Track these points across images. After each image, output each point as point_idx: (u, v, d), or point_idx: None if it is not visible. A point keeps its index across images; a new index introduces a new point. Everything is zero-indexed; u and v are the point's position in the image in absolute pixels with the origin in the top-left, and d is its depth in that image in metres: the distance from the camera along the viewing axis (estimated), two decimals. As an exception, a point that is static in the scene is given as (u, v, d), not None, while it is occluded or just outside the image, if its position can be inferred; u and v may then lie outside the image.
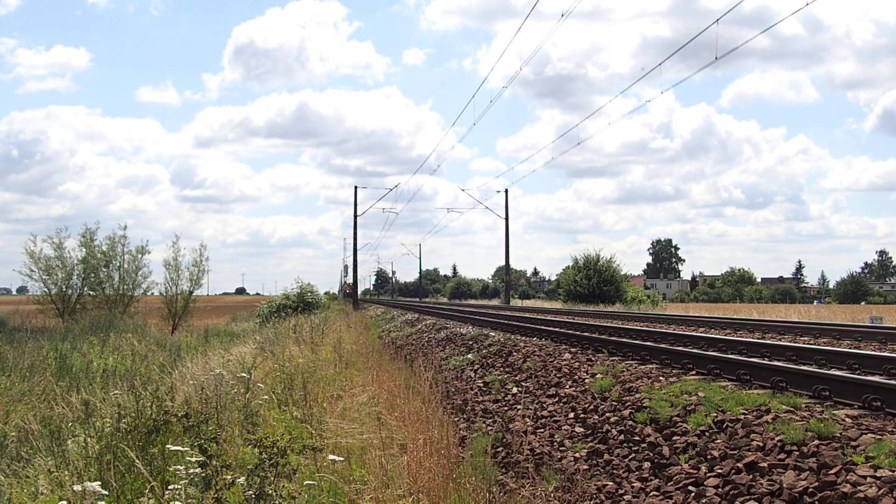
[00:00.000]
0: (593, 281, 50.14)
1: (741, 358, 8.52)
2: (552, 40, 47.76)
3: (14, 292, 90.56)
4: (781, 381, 7.17)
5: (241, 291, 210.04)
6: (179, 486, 4.17)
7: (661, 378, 8.29)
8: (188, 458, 4.29)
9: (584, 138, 69.69)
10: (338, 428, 6.61)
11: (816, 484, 4.75)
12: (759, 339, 12.85)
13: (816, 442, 5.26)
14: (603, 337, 12.37)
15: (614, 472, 6.45)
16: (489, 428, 8.49)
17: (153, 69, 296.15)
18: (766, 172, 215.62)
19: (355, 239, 53.39)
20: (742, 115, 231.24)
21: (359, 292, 62.45)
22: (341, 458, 4.98)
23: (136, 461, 4.31)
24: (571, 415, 8.20)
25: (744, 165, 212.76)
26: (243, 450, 5.79)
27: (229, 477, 4.14)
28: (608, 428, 7.31)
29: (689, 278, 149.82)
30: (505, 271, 59.88)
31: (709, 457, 5.78)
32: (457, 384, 11.56)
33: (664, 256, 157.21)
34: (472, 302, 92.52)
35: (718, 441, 5.97)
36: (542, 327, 15.94)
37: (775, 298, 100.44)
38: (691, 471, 5.72)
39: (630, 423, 7.14)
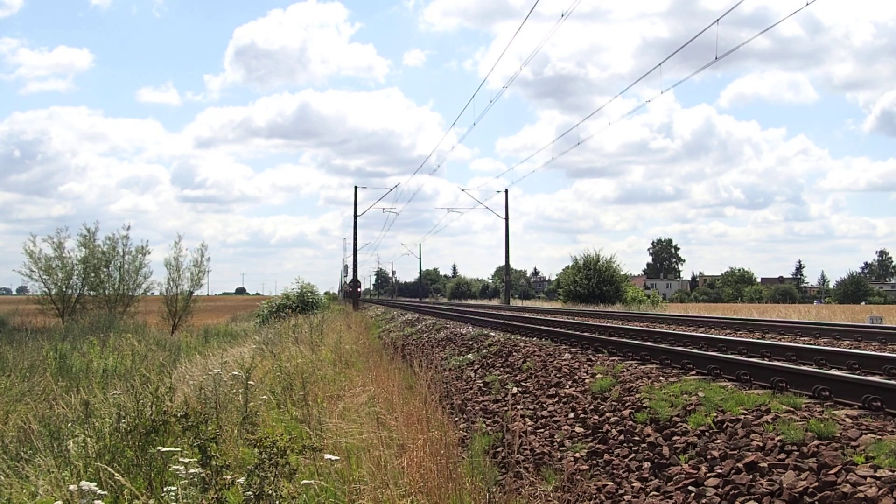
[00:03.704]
0: (593, 281, 50.15)
1: (741, 358, 8.51)
2: (552, 41, 47.75)
3: (14, 292, 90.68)
4: (781, 381, 7.16)
5: (241, 291, 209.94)
6: (175, 489, 4.17)
7: (661, 378, 8.29)
8: (182, 459, 4.29)
9: (585, 138, 69.71)
10: (337, 428, 6.60)
11: (816, 484, 4.75)
12: (759, 339, 12.85)
13: (816, 442, 5.25)
14: (603, 337, 12.37)
15: (614, 472, 6.45)
16: (489, 428, 8.49)
17: (155, 70, 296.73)
18: (765, 173, 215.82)
19: (355, 239, 53.38)
20: (741, 115, 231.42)
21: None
22: (338, 458, 4.98)
23: (117, 474, 4.29)
24: (571, 415, 8.20)
25: (744, 166, 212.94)
26: (243, 450, 5.79)
27: (229, 477, 4.14)
28: (608, 428, 7.31)
29: (689, 278, 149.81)
30: (505, 271, 59.88)
31: (709, 457, 5.78)
32: (457, 384, 11.56)
33: (664, 256, 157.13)
34: (472, 302, 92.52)
35: (718, 441, 5.97)
36: (542, 327, 15.93)
37: (775, 298, 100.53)
38: (691, 471, 5.72)
39: (630, 423, 7.13)
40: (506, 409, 9.01)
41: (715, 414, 6.44)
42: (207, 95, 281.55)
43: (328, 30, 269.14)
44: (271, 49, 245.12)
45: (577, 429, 7.72)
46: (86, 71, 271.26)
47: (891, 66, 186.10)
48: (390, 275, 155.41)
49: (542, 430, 8.09)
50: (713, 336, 12.43)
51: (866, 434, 5.28)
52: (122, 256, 37.31)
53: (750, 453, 5.48)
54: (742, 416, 6.20)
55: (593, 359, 10.45)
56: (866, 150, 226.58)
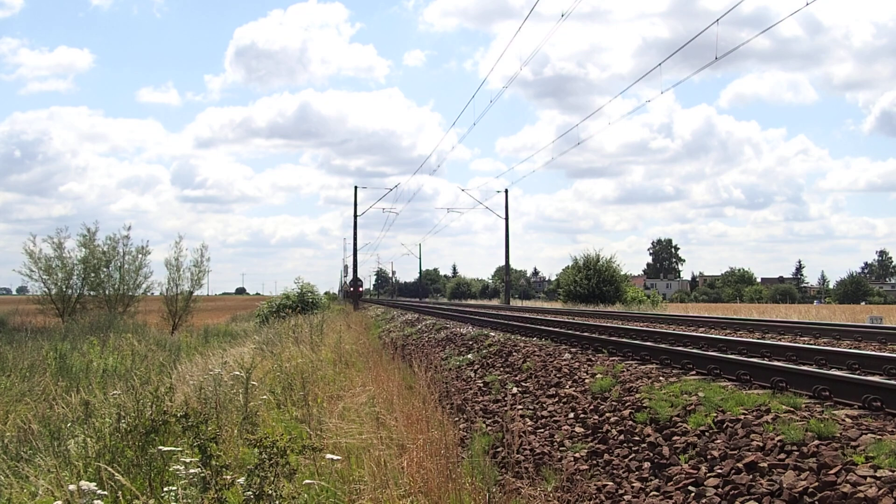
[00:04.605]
0: (593, 281, 50.13)
1: (741, 358, 8.51)
2: (552, 41, 47.84)
3: (14, 292, 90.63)
4: (781, 381, 7.16)
5: (241, 291, 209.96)
6: (175, 489, 4.17)
7: (661, 378, 8.29)
8: (183, 459, 4.29)
9: (585, 138, 69.72)
10: (337, 428, 6.60)
11: (816, 484, 4.75)
12: (759, 339, 12.85)
13: (816, 442, 5.25)
14: (603, 337, 12.37)
15: (614, 472, 6.45)
16: (489, 428, 8.48)
17: (155, 70, 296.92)
18: (765, 173, 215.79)
19: (355, 239, 53.40)
20: (741, 115, 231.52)
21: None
22: (339, 458, 4.98)
23: (117, 474, 4.30)
24: (571, 415, 8.19)
25: (744, 166, 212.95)
26: (243, 450, 5.79)
27: (229, 477, 4.14)
28: (608, 428, 7.31)
29: (689, 278, 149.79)
30: (505, 271, 59.88)
31: (709, 457, 5.78)
32: (457, 384, 11.56)
33: (664, 256, 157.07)
34: (472, 302, 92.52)
35: (718, 441, 5.97)
36: (542, 327, 15.93)
37: (775, 298, 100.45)
38: (691, 471, 5.72)
39: (630, 423, 7.13)
40: (506, 409, 9.01)
41: (715, 414, 6.44)
42: (208, 95, 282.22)
43: (328, 30, 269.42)
44: (272, 49, 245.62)
45: (577, 429, 7.72)
46: (86, 71, 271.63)
47: (890, 66, 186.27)
48: (390, 275, 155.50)
49: (542, 430, 8.09)
50: (713, 336, 12.43)
51: (866, 434, 5.28)
52: (122, 256, 37.28)
53: (750, 453, 5.48)
54: (742, 416, 6.19)
55: (593, 359, 10.45)
56: (866, 150, 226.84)
